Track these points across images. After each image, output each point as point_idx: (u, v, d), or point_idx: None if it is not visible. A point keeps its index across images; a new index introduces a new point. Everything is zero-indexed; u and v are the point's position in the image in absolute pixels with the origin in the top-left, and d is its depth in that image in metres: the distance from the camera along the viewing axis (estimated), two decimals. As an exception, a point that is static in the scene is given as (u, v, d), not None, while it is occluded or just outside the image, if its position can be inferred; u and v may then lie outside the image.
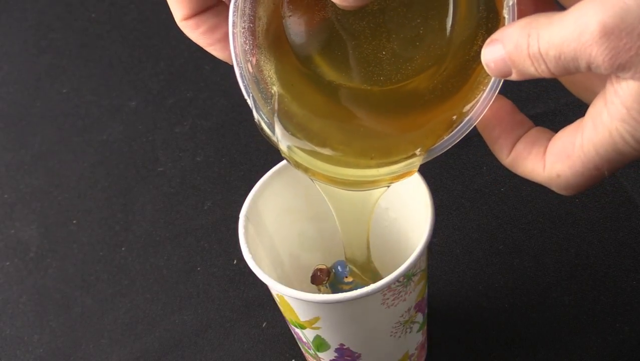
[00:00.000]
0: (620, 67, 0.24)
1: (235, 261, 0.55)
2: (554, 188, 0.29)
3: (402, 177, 0.33)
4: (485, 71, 0.28)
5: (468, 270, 0.51)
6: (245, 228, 0.40)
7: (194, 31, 0.32)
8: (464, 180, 0.57)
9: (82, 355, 0.52)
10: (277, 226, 0.44)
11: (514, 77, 0.27)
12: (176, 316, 0.53)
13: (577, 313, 0.48)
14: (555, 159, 0.28)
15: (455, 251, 0.52)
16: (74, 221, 0.61)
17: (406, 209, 0.43)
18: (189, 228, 0.59)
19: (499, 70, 0.27)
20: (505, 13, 0.28)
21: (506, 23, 0.28)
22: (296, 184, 0.43)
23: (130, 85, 0.74)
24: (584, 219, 0.53)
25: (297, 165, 0.32)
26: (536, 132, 0.30)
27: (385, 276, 0.35)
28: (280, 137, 0.32)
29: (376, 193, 0.36)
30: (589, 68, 0.24)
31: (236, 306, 0.52)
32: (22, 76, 0.78)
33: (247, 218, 0.40)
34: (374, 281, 0.35)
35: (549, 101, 0.59)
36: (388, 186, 0.34)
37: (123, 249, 0.58)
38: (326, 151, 0.32)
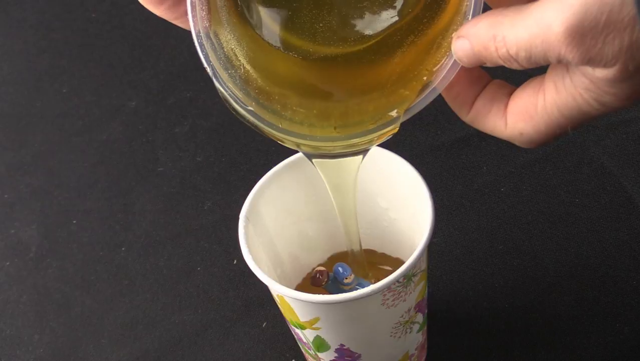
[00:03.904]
0: (590, 61, 0.24)
1: (235, 261, 0.55)
2: (516, 143, 0.29)
3: (379, 140, 0.33)
4: (444, 34, 0.29)
5: (468, 270, 0.51)
6: (245, 228, 0.40)
7: (159, 7, 0.31)
8: (464, 180, 0.57)
9: (82, 355, 0.52)
10: (277, 226, 0.44)
11: (488, 65, 0.27)
12: (176, 316, 0.53)
13: (577, 313, 0.48)
14: (518, 119, 0.28)
15: (455, 251, 0.52)
16: (74, 221, 0.61)
17: (406, 210, 0.43)
18: (189, 228, 0.59)
19: (473, 63, 0.28)
20: None
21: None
22: (296, 184, 0.43)
23: (130, 85, 0.74)
24: (584, 219, 0.53)
25: (269, 134, 0.32)
26: (494, 87, 0.30)
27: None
28: (241, 103, 0.31)
29: (357, 158, 0.35)
30: (559, 62, 0.25)
31: (236, 306, 0.52)
32: (22, 76, 0.78)
33: (247, 218, 0.40)
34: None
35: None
36: (366, 151, 0.34)
37: (123, 249, 0.58)
38: (288, 115, 0.32)
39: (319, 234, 0.47)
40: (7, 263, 0.59)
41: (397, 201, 0.44)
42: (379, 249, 0.48)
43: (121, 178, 0.64)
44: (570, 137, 0.57)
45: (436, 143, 0.60)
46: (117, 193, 0.63)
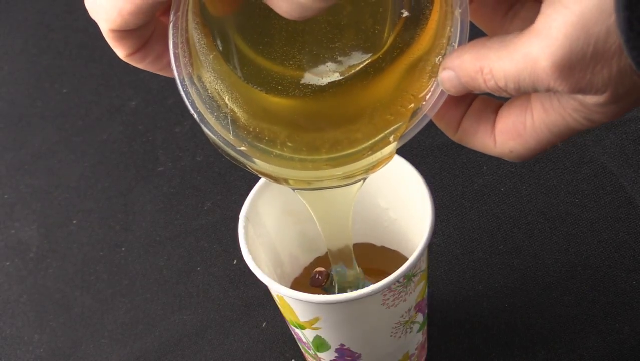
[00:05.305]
0: (581, 91, 0.24)
1: (235, 261, 0.55)
2: (506, 159, 0.29)
3: (374, 169, 0.32)
4: (425, 59, 0.29)
5: (468, 270, 0.51)
6: (245, 228, 0.40)
7: (141, 62, 0.31)
8: (464, 180, 0.57)
9: (82, 355, 0.52)
10: (277, 226, 0.44)
11: (476, 93, 0.27)
12: (176, 316, 0.53)
13: (577, 313, 0.48)
14: (507, 138, 0.28)
15: (455, 251, 0.52)
16: (74, 221, 0.61)
17: (406, 210, 0.43)
18: (189, 228, 0.59)
19: (460, 93, 0.28)
20: (458, 14, 0.28)
21: (459, 24, 0.28)
22: (296, 184, 0.43)
23: (130, 85, 0.74)
24: (584, 219, 0.53)
25: (259, 172, 0.32)
26: (480, 104, 0.30)
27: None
28: (233, 145, 0.31)
29: (354, 185, 0.35)
30: (549, 91, 0.25)
31: (236, 306, 0.53)
32: (22, 76, 0.78)
33: (247, 218, 0.40)
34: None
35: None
36: (364, 180, 0.34)
37: (123, 249, 0.58)
38: (278, 151, 0.32)
39: (319, 234, 0.47)
40: (7, 263, 0.59)
41: (397, 201, 0.44)
42: (378, 244, 0.48)
43: (121, 178, 0.64)
44: (570, 137, 0.56)
45: (436, 143, 0.60)
46: (117, 193, 0.63)
